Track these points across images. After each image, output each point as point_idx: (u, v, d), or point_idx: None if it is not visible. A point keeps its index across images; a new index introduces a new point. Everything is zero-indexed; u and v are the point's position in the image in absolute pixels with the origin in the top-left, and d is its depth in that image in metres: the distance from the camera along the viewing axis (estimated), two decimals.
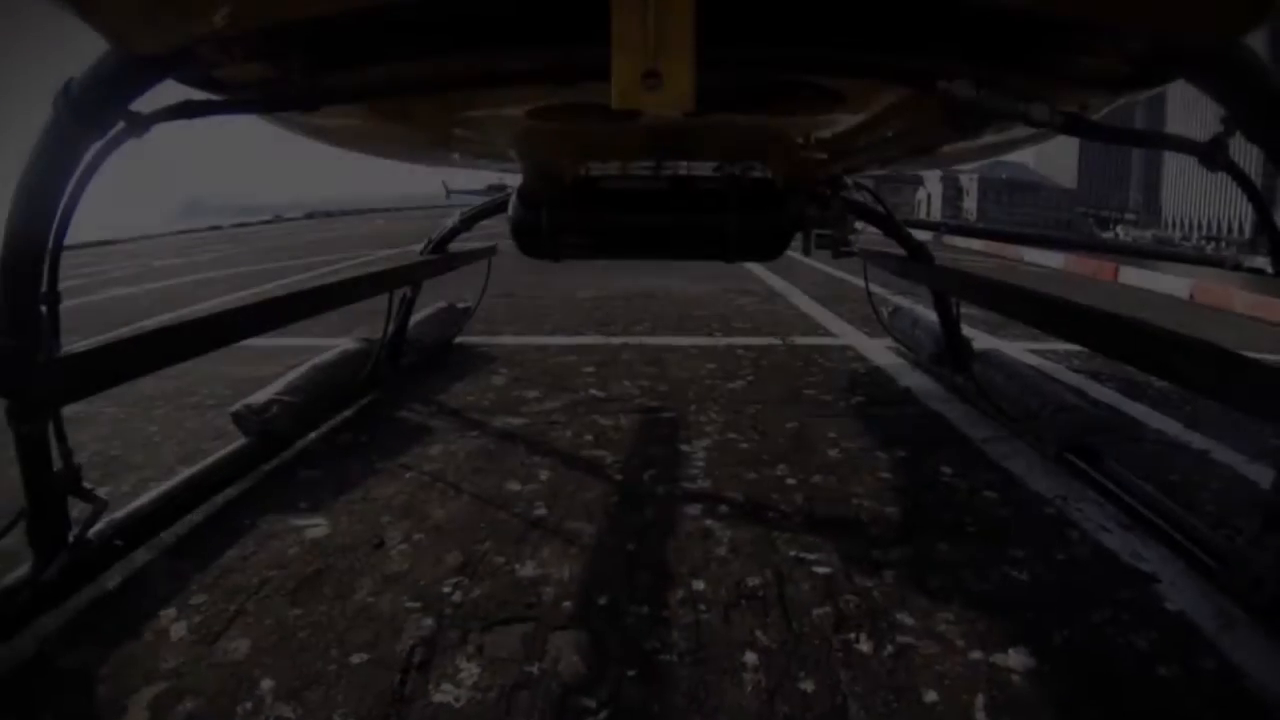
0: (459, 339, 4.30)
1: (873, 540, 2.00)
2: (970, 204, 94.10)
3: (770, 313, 5.64)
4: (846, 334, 4.87)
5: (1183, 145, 1.41)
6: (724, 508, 2.21)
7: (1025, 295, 2.16)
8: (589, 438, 2.83)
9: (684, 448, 2.73)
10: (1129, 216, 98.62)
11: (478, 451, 2.67)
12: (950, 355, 3.31)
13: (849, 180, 3.02)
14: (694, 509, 2.20)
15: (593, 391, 3.46)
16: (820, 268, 8.66)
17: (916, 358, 3.67)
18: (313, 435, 2.76)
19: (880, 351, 4.28)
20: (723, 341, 4.55)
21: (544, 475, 2.46)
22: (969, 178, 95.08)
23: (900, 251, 3.32)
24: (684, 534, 2.03)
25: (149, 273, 10.35)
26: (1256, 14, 1.06)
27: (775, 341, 4.55)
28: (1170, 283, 10.22)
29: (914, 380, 3.65)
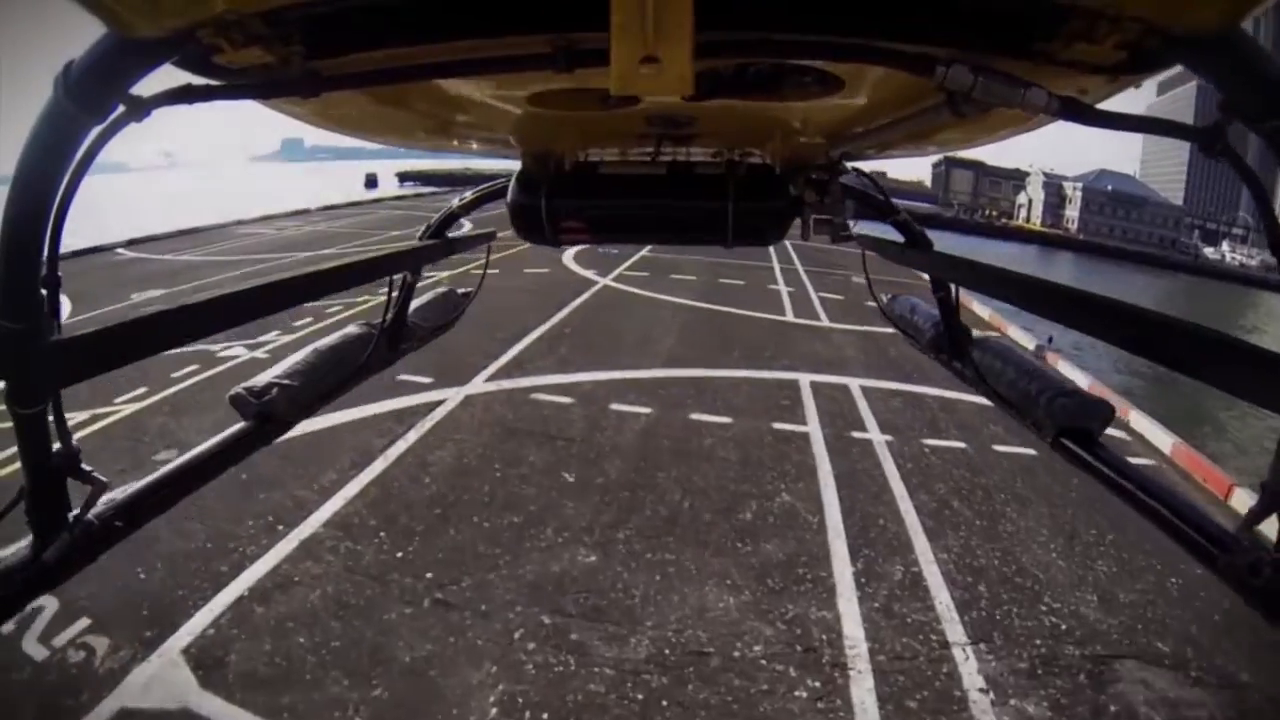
0: None
1: None
2: (1073, 213, 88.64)
3: None
4: None
5: (1181, 131, 1.40)
6: None
7: (1028, 282, 2.10)
8: None
9: None
10: (1237, 231, 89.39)
11: None
12: (949, 341, 3.33)
13: (848, 166, 3.01)
14: None
15: None
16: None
17: (917, 342, 3.69)
18: None
19: None
20: None
21: None
22: (1073, 186, 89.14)
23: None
24: None
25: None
26: None
27: None
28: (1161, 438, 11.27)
29: None
